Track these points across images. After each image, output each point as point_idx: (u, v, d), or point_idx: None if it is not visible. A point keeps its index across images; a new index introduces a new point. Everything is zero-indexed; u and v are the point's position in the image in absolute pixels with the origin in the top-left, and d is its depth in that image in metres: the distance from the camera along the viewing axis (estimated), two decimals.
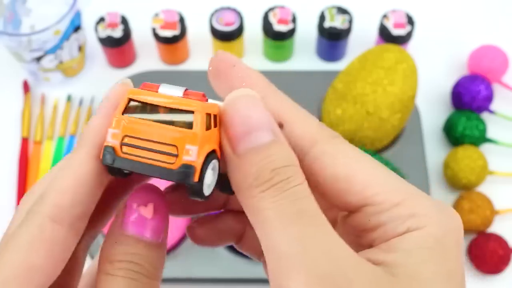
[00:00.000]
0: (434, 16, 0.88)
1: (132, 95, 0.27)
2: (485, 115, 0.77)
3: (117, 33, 0.77)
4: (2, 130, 0.78)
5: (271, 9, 0.79)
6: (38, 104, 0.80)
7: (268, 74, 0.86)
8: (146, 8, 0.84)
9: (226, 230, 0.33)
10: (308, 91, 0.75)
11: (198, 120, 0.24)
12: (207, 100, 0.27)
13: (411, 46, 0.81)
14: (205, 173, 0.24)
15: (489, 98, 0.75)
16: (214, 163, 0.25)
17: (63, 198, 0.24)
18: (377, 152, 0.70)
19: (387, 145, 0.72)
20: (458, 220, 0.26)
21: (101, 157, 0.25)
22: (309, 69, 0.80)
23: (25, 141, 0.76)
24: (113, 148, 0.25)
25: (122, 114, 0.26)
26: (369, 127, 0.66)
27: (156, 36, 0.78)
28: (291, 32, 0.78)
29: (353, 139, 0.68)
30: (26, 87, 0.80)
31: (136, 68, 0.83)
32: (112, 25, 0.78)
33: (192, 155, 0.24)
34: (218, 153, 0.26)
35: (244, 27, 0.79)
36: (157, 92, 0.27)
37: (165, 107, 0.25)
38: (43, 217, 0.24)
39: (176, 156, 0.24)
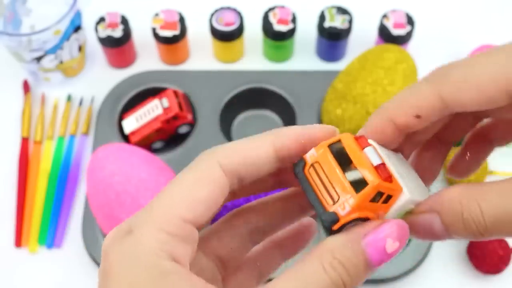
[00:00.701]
0: (434, 16, 0.88)
1: (343, 139, 0.31)
2: None
3: (117, 33, 0.77)
4: (2, 130, 0.78)
5: (271, 9, 0.79)
6: (38, 104, 0.80)
7: (268, 74, 0.87)
8: (146, 8, 0.84)
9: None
10: (308, 91, 0.75)
11: (366, 191, 0.29)
12: (391, 181, 0.30)
13: (411, 46, 0.81)
14: (344, 228, 0.29)
15: None
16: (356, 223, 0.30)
17: (238, 156, 0.30)
18: None
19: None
20: None
21: (295, 161, 0.31)
22: (309, 69, 0.80)
23: (25, 141, 0.76)
24: (305, 163, 0.30)
25: (328, 146, 0.30)
26: None
27: (156, 36, 0.78)
28: (291, 32, 0.78)
29: None
30: (26, 87, 0.80)
31: (136, 68, 0.83)
32: (112, 25, 0.78)
33: (344, 210, 0.29)
34: (370, 219, 0.30)
35: (244, 27, 0.79)
36: (361, 149, 0.30)
37: (355, 166, 0.30)
38: (214, 161, 0.30)
39: (334, 202, 0.29)
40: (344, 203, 0.29)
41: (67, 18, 0.72)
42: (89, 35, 0.82)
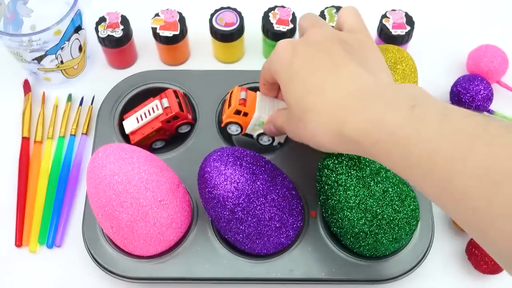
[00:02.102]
0: (434, 16, 0.88)
1: (234, 89, 0.69)
2: None
3: (118, 33, 0.77)
4: (3, 130, 0.79)
5: (271, 9, 0.79)
6: (38, 104, 0.80)
7: None
8: (146, 8, 0.84)
9: None
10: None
11: (230, 109, 0.67)
12: (245, 106, 0.67)
13: (411, 46, 0.82)
14: (227, 126, 0.68)
15: (488, 98, 0.75)
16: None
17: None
18: None
19: None
20: None
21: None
22: None
23: (25, 141, 0.76)
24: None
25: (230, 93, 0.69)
26: None
27: (156, 36, 0.78)
28: (291, 32, 0.78)
29: None
30: (26, 87, 0.80)
31: (137, 68, 0.83)
32: (113, 26, 0.78)
33: (224, 118, 0.68)
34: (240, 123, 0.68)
35: (244, 27, 0.79)
36: (239, 92, 0.68)
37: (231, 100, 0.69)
38: None
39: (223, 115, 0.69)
40: (224, 115, 0.68)
41: (67, 18, 0.72)
42: (90, 36, 0.82)
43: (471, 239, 0.67)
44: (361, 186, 0.60)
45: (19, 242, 0.70)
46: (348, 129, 0.48)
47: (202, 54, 0.84)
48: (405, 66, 0.65)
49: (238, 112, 0.66)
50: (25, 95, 0.80)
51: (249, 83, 0.76)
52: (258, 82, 0.76)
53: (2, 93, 0.82)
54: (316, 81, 0.52)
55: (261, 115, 0.66)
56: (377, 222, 0.60)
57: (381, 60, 0.55)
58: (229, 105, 0.67)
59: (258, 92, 0.70)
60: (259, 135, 0.70)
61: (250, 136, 0.71)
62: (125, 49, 0.80)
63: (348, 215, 0.60)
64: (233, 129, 0.69)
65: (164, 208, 0.61)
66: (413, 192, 0.63)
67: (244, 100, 0.67)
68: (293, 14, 0.78)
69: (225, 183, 0.58)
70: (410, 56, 0.67)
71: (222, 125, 0.68)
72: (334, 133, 0.49)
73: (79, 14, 0.75)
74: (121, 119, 0.74)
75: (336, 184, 0.60)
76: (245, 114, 0.66)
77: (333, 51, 0.53)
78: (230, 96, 0.69)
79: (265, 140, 0.72)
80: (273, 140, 0.72)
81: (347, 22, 0.58)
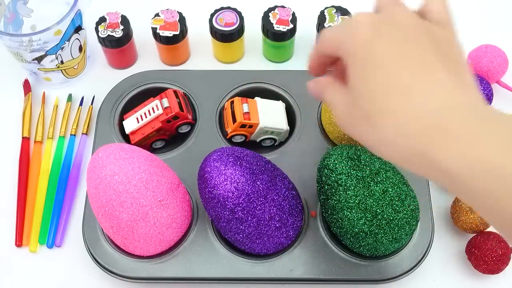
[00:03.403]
0: None
1: (235, 100, 0.73)
2: None
3: (118, 33, 0.77)
4: (3, 130, 0.79)
5: (271, 9, 0.79)
6: (39, 104, 0.80)
7: (268, 74, 0.87)
8: (146, 8, 0.84)
9: None
10: (308, 91, 0.75)
11: (235, 124, 0.71)
12: (249, 119, 0.71)
13: None
14: (232, 138, 0.72)
15: (488, 98, 0.75)
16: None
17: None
18: None
19: None
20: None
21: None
22: None
23: (26, 141, 0.76)
24: (223, 108, 0.74)
25: (230, 102, 0.73)
26: None
27: (156, 36, 0.78)
28: (291, 32, 0.78)
29: (353, 139, 0.68)
30: (27, 87, 0.80)
31: (137, 68, 0.83)
32: (113, 26, 0.78)
33: (229, 131, 0.71)
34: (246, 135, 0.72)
35: (244, 27, 0.80)
36: (241, 104, 0.72)
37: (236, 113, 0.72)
38: None
39: (228, 128, 0.72)
40: (228, 129, 0.71)
41: (67, 18, 0.72)
42: (90, 36, 0.82)
43: (471, 239, 0.67)
44: (361, 186, 0.60)
45: (19, 242, 0.70)
46: (441, 156, 0.38)
47: (202, 54, 0.84)
48: None
49: (243, 126, 0.70)
50: (25, 95, 0.80)
51: (249, 83, 0.76)
52: (258, 82, 0.76)
53: (2, 93, 0.82)
54: (404, 79, 0.41)
55: (266, 125, 0.70)
56: (377, 222, 0.60)
57: (468, 69, 0.45)
58: (233, 116, 0.71)
59: (257, 98, 0.72)
60: (261, 140, 0.72)
61: (253, 141, 0.72)
62: (125, 49, 0.80)
63: (348, 215, 0.60)
64: (238, 138, 0.72)
65: (164, 208, 0.61)
66: (413, 192, 0.63)
67: (248, 113, 0.70)
68: (293, 14, 0.78)
69: (225, 183, 0.58)
70: None
71: (228, 137, 0.72)
72: (415, 152, 0.40)
73: (79, 14, 0.75)
74: (121, 119, 0.74)
75: (336, 184, 0.60)
76: (250, 126, 0.71)
77: (424, 45, 0.43)
78: (232, 107, 0.71)
79: (267, 143, 0.73)
80: (275, 141, 0.73)
81: (435, 11, 0.45)
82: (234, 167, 0.59)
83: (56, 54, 0.76)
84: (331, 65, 0.51)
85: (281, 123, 0.72)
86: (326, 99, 0.49)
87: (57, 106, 0.80)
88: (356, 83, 0.44)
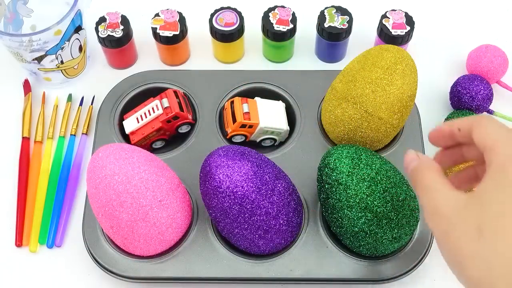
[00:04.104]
0: (434, 16, 0.88)
1: (235, 100, 0.73)
2: None
3: (118, 33, 0.77)
4: (3, 130, 0.79)
5: (271, 9, 0.79)
6: (39, 104, 0.80)
7: (268, 74, 0.87)
8: (146, 8, 0.84)
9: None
10: (308, 91, 0.75)
11: (235, 124, 0.71)
12: (249, 119, 0.71)
13: (411, 46, 0.82)
14: (232, 138, 0.72)
15: (488, 98, 0.75)
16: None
17: None
18: (377, 152, 0.70)
19: (387, 145, 0.72)
20: None
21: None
22: (309, 69, 0.80)
23: (26, 141, 0.76)
24: (224, 107, 0.75)
25: (230, 102, 0.74)
26: (368, 127, 0.67)
27: (156, 36, 0.78)
28: (291, 32, 0.78)
29: (353, 139, 0.68)
30: (27, 87, 0.80)
31: (137, 68, 0.83)
32: (113, 26, 0.78)
33: (229, 131, 0.71)
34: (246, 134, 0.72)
35: (244, 27, 0.80)
36: (241, 104, 0.72)
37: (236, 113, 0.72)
38: None
39: (227, 128, 0.72)
40: (228, 129, 0.71)
41: (67, 18, 0.72)
42: (90, 36, 0.82)
43: None
44: (361, 185, 0.60)
45: (19, 242, 0.70)
46: None
47: (202, 54, 0.84)
48: (405, 66, 0.65)
49: (243, 126, 0.70)
50: (25, 95, 0.80)
51: (249, 83, 0.76)
52: (258, 82, 0.76)
53: (2, 93, 0.82)
54: None
55: (266, 125, 0.70)
56: (377, 221, 0.60)
57: None
58: (233, 116, 0.71)
59: (257, 98, 0.73)
60: (261, 140, 0.72)
61: (253, 141, 0.72)
62: (125, 49, 0.80)
63: (348, 214, 0.60)
64: (238, 138, 0.72)
65: (164, 208, 0.61)
66: (413, 192, 0.63)
67: (248, 113, 0.70)
68: (293, 14, 0.78)
69: (234, 175, 0.57)
70: (410, 56, 0.67)
71: (228, 137, 0.72)
72: None
73: (79, 14, 0.75)
74: (121, 119, 0.74)
75: (336, 183, 0.60)
76: (250, 126, 0.70)
77: None
78: (232, 107, 0.72)
79: (267, 143, 0.73)
80: (275, 141, 0.73)
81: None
82: (241, 161, 0.59)
83: (56, 54, 0.76)
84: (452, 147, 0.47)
85: (281, 123, 0.72)
86: (425, 181, 0.42)
87: (57, 106, 0.80)
88: (491, 220, 0.36)
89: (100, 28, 0.78)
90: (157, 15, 0.79)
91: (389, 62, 0.65)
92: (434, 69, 0.82)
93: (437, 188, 0.40)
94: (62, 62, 0.78)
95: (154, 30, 0.78)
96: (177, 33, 0.78)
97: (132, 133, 0.72)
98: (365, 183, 0.60)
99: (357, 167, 0.60)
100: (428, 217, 0.40)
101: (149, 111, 0.71)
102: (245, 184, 0.58)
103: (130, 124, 0.72)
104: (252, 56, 0.84)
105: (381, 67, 0.65)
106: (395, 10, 0.79)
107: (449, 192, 0.39)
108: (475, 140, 0.41)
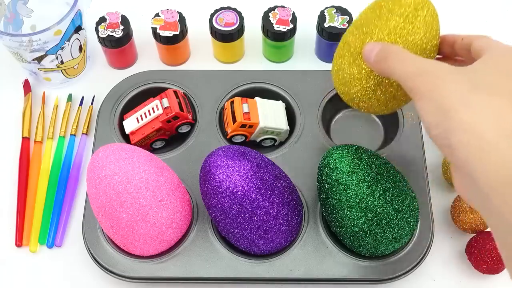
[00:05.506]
0: None
1: (235, 100, 0.73)
2: None
3: (118, 33, 0.77)
4: (3, 130, 0.79)
5: (271, 9, 0.79)
6: (39, 104, 0.80)
7: (268, 74, 0.87)
8: (146, 8, 0.84)
9: None
10: (308, 91, 0.75)
11: (235, 124, 0.70)
12: (249, 119, 0.70)
13: None
14: (232, 138, 0.72)
15: None
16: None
17: None
18: (376, 151, 0.70)
19: (387, 145, 0.72)
20: None
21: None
22: (309, 69, 0.80)
23: (26, 141, 0.76)
24: (224, 108, 0.75)
25: (230, 102, 0.73)
26: (389, 83, 0.57)
27: (156, 36, 0.78)
28: (291, 32, 0.78)
29: (372, 99, 0.59)
30: (27, 87, 0.80)
31: (137, 68, 0.83)
32: (113, 26, 0.78)
33: (229, 131, 0.71)
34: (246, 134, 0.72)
35: (244, 27, 0.80)
36: (241, 104, 0.72)
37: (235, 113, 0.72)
38: None
39: (228, 128, 0.72)
40: (228, 129, 0.71)
41: (67, 18, 0.72)
42: (90, 36, 0.82)
43: (471, 239, 0.67)
44: (361, 185, 0.60)
45: (19, 242, 0.70)
46: None
47: (202, 54, 0.84)
48: (426, 12, 0.55)
49: (243, 126, 0.70)
50: (25, 95, 0.80)
51: (249, 83, 0.76)
52: (258, 82, 0.76)
53: (2, 93, 0.82)
54: None
55: (266, 125, 0.71)
56: (377, 221, 0.60)
57: None
58: (233, 116, 0.71)
59: (257, 98, 0.73)
60: (261, 140, 0.72)
61: (253, 141, 0.72)
62: (125, 49, 0.80)
63: (348, 214, 0.60)
64: (238, 138, 0.72)
65: (164, 208, 0.61)
66: (413, 192, 0.63)
67: (248, 113, 0.70)
68: (293, 14, 0.78)
69: (234, 175, 0.58)
70: (430, 1, 0.57)
71: (228, 137, 0.72)
72: None
73: (79, 14, 0.75)
74: (121, 119, 0.74)
75: (336, 183, 0.60)
76: (250, 126, 0.70)
77: None
78: (232, 107, 0.71)
79: (267, 143, 0.73)
80: (275, 141, 0.73)
81: None
82: (241, 161, 0.59)
83: (56, 54, 0.76)
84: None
85: (281, 123, 0.72)
86: (400, 53, 0.46)
87: (57, 106, 0.80)
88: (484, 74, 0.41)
89: (100, 28, 0.78)
90: (157, 15, 0.79)
91: (408, 9, 0.56)
92: None
93: (415, 56, 0.43)
94: (62, 62, 0.78)
95: (154, 30, 0.78)
96: (177, 33, 0.78)
97: (132, 133, 0.72)
98: (365, 183, 0.60)
99: (357, 167, 0.60)
100: (411, 79, 0.41)
101: (149, 111, 0.71)
102: (245, 184, 0.58)
103: (130, 124, 0.72)
104: (252, 56, 0.84)
105: (400, 14, 0.55)
106: None
107: (430, 59, 0.42)
108: (473, 46, 0.45)
